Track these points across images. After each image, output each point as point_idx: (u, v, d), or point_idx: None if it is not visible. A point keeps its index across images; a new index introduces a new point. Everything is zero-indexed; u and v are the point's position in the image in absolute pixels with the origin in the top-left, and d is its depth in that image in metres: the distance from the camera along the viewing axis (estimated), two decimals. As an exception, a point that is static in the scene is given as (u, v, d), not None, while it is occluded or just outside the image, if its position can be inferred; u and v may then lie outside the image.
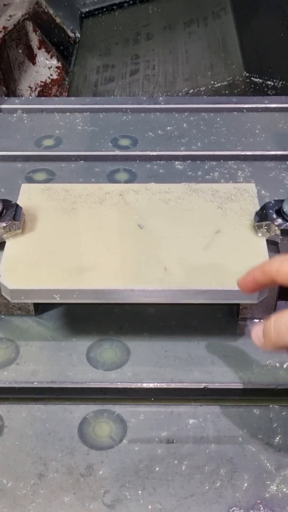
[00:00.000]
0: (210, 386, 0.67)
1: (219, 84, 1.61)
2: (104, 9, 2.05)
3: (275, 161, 0.97)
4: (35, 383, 0.68)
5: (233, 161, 0.97)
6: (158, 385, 0.67)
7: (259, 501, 0.59)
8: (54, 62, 1.83)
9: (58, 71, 1.83)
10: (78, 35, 1.98)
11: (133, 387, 0.67)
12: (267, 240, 0.71)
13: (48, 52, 1.81)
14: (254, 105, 1.08)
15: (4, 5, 1.74)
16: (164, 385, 0.67)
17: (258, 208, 0.75)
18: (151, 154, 0.98)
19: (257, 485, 0.60)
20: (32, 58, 1.80)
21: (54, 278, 0.68)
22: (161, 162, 0.97)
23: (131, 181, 0.94)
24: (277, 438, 0.63)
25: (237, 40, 1.72)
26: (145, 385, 0.67)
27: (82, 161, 0.98)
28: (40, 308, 0.75)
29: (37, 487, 0.60)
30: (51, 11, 1.89)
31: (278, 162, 0.96)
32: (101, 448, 0.63)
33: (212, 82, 1.61)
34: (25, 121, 1.07)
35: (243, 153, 0.97)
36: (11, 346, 0.71)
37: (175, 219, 0.75)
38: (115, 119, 1.07)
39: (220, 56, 1.69)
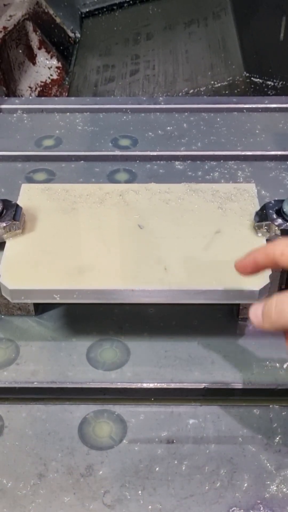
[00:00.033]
0: (210, 386, 0.67)
1: (219, 84, 1.61)
2: (104, 9, 2.05)
3: (275, 161, 0.97)
4: (35, 383, 0.68)
5: (233, 161, 0.97)
6: (158, 385, 0.67)
7: (259, 501, 0.59)
8: (54, 62, 1.83)
9: (58, 71, 1.83)
10: (78, 35, 1.99)
11: (133, 387, 0.67)
12: (267, 240, 0.71)
13: (48, 52, 1.82)
14: (254, 105, 1.08)
15: (4, 5, 1.74)
16: (164, 385, 0.67)
17: (258, 208, 0.75)
18: (151, 154, 0.98)
19: (257, 485, 0.60)
20: (32, 58, 1.80)
21: (54, 278, 0.68)
22: (161, 162, 0.97)
23: (131, 181, 0.94)
24: (277, 438, 0.63)
25: (237, 40, 1.72)
26: (145, 385, 0.67)
27: (82, 161, 0.98)
28: (40, 308, 0.75)
29: (37, 487, 0.60)
30: (51, 11, 1.89)
31: (278, 162, 0.96)
32: (101, 448, 0.63)
33: (212, 82, 1.62)
34: (25, 121, 1.07)
35: (243, 153, 0.97)
36: (11, 346, 0.71)
37: (175, 219, 0.75)
38: (115, 119, 1.07)
39: (220, 56, 1.69)
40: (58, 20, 1.92)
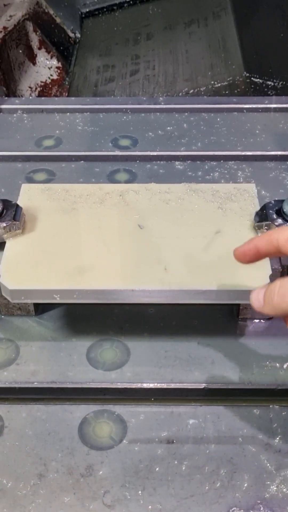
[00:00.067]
0: (210, 386, 0.67)
1: (219, 84, 1.61)
2: (104, 9, 2.05)
3: (275, 161, 0.97)
4: (35, 383, 0.68)
5: (233, 161, 0.97)
6: (158, 385, 0.67)
7: (259, 502, 0.59)
8: (54, 62, 1.83)
9: (58, 71, 1.83)
10: (78, 35, 1.99)
11: (133, 387, 0.67)
12: (267, 240, 0.71)
13: (48, 52, 1.82)
14: (254, 105, 1.08)
15: (4, 5, 1.74)
16: (164, 385, 0.67)
17: (258, 208, 0.75)
18: (151, 154, 0.98)
19: (257, 485, 0.60)
20: (32, 58, 1.80)
21: (54, 278, 0.68)
22: (161, 162, 0.97)
23: (131, 181, 0.94)
24: (277, 438, 0.63)
25: (237, 40, 1.72)
26: (145, 385, 0.67)
27: (82, 161, 0.98)
28: (40, 308, 0.75)
29: (37, 487, 0.60)
30: (51, 11, 1.89)
31: (278, 162, 0.96)
32: (101, 448, 0.63)
33: (212, 82, 1.62)
34: (25, 121, 1.07)
35: (243, 153, 0.97)
36: (11, 347, 0.71)
37: (175, 219, 0.75)
38: (115, 119, 1.07)
39: (220, 56, 1.69)
40: (58, 20, 1.92)
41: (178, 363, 0.69)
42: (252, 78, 1.58)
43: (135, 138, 1.02)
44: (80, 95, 1.71)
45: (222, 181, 0.93)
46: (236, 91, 1.57)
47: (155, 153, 0.98)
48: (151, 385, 0.67)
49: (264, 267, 0.67)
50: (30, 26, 1.76)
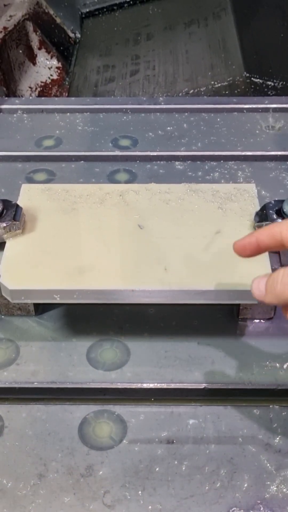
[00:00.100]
0: (210, 386, 0.67)
1: (219, 85, 1.61)
2: (105, 10, 2.05)
3: (275, 161, 0.97)
4: (35, 383, 0.68)
5: (233, 162, 0.97)
6: (158, 386, 0.67)
7: (259, 502, 0.59)
8: (55, 62, 1.83)
9: (58, 71, 1.83)
10: (78, 35, 1.99)
11: (133, 387, 0.67)
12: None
13: (48, 52, 1.82)
14: (254, 106, 1.08)
15: (5, 5, 1.75)
16: (164, 386, 0.67)
17: (258, 208, 0.75)
18: (151, 154, 0.98)
19: (257, 485, 0.60)
20: (32, 58, 1.80)
21: (54, 279, 0.68)
22: (161, 162, 0.97)
23: (131, 182, 0.94)
24: (277, 438, 0.63)
25: (237, 41, 1.72)
26: (145, 386, 0.67)
27: (82, 162, 0.98)
28: (40, 309, 0.75)
29: (37, 487, 0.60)
30: (51, 12, 1.89)
31: (278, 163, 0.96)
32: (101, 449, 0.63)
33: (212, 82, 1.62)
34: (25, 122, 1.07)
35: (243, 153, 0.97)
36: (11, 347, 0.71)
37: (175, 219, 0.75)
38: (115, 120, 1.07)
39: (220, 57, 1.69)
40: (58, 20, 1.92)
41: (178, 363, 0.69)
42: (252, 78, 1.59)
43: (135, 138, 1.02)
44: (80, 95, 1.71)
45: (222, 181, 0.93)
46: (236, 91, 1.57)
47: (155, 153, 0.98)
48: (151, 385, 0.67)
49: (265, 267, 0.67)
50: (30, 26, 1.76)
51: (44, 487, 0.60)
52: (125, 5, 2.04)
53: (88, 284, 0.67)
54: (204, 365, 0.69)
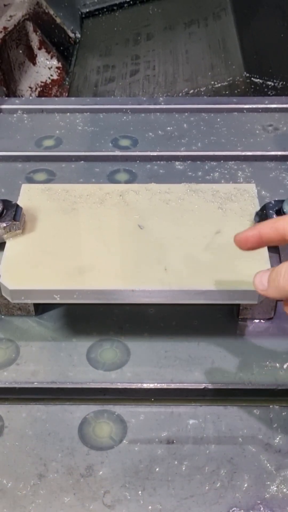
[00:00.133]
0: (210, 386, 0.67)
1: (219, 85, 1.61)
2: (105, 10, 2.05)
3: (275, 161, 0.97)
4: (35, 383, 0.68)
5: (233, 162, 0.97)
6: (158, 386, 0.67)
7: (259, 502, 0.59)
8: (55, 62, 1.83)
9: (59, 71, 1.83)
10: (78, 35, 1.99)
11: (133, 387, 0.67)
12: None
13: (48, 52, 1.82)
14: (254, 106, 1.08)
15: (5, 5, 1.75)
16: (164, 386, 0.67)
17: (258, 208, 0.75)
18: (151, 154, 0.98)
19: (257, 485, 0.60)
20: (32, 58, 1.80)
21: (54, 279, 0.68)
22: (161, 162, 0.97)
23: (131, 182, 0.94)
24: (277, 438, 0.63)
25: (237, 41, 1.72)
26: (145, 386, 0.67)
27: (82, 162, 0.98)
28: (40, 309, 0.75)
29: (37, 487, 0.60)
30: (51, 12, 1.89)
31: (278, 163, 0.96)
32: (101, 449, 0.63)
33: (213, 82, 1.62)
34: (26, 122, 1.07)
35: (243, 153, 0.97)
36: (11, 347, 0.71)
37: (175, 219, 0.75)
38: (115, 120, 1.07)
39: (221, 57, 1.69)
40: (58, 20, 1.92)
41: (178, 363, 0.69)
42: (252, 78, 1.59)
43: (135, 138, 1.02)
44: (80, 95, 1.71)
45: (222, 181, 0.93)
46: (236, 91, 1.57)
47: (155, 153, 0.98)
48: (151, 385, 0.67)
49: (265, 267, 0.67)
50: (30, 26, 1.76)
51: (44, 487, 0.60)
52: (125, 5, 2.04)
53: (88, 284, 0.67)
54: (204, 365, 0.69)
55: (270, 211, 0.72)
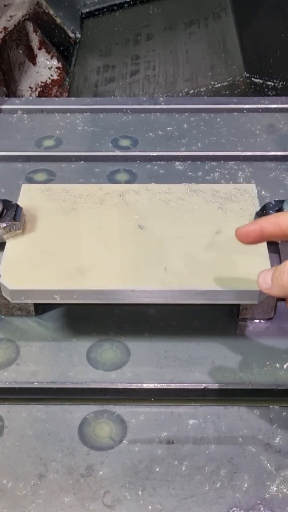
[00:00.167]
0: (210, 386, 0.67)
1: (219, 85, 1.61)
2: (105, 10, 2.05)
3: (275, 161, 0.97)
4: (35, 383, 0.68)
5: (233, 162, 0.97)
6: (158, 386, 0.67)
7: (259, 502, 0.59)
8: (55, 62, 1.83)
9: (59, 71, 1.83)
10: (78, 35, 1.99)
11: (133, 387, 0.67)
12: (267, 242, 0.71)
13: (48, 52, 1.82)
14: (254, 106, 1.08)
15: (5, 5, 1.75)
16: (164, 386, 0.67)
17: (258, 208, 0.75)
18: (151, 154, 0.98)
19: (257, 485, 0.60)
20: (32, 58, 1.80)
21: (55, 279, 0.68)
22: (162, 162, 0.97)
23: (132, 182, 0.94)
24: (278, 438, 0.63)
25: (238, 41, 1.72)
26: (145, 386, 0.67)
27: (82, 162, 0.98)
28: (41, 309, 0.75)
29: (37, 487, 0.60)
30: (51, 12, 1.90)
31: (278, 163, 0.96)
32: (101, 449, 0.63)
33: (213, 82, 1.62)
34: (26, 122, 1.07)
35: (243, 153, 0.97)
36: (11, 347, 0.71)
37: (176, 219, 0.75)
38: (115, 120, 1.07)
39: (221, 57, 1.70)
40: (58, 20, 1.92)
41: (178, 363, 0.69)
42: (252, 79, 1.59)
43: (135, 138, 1.02)
44: (80, 96, 1.71)
45: (222, 181, 0.93)
46: (236, 92, 1.58)
47: (155, 154, 0.98)
48: (151, 385, 0.67)
49: (265, 267, 0.67)
50: (30, 26, 1.76)
51: (44, 487, 0.60)
52: (125, 5, 2.04)
53: (88, 284, 0.67)
54: (204, 365, 0.69)
55: (270, 211, 0.72)
